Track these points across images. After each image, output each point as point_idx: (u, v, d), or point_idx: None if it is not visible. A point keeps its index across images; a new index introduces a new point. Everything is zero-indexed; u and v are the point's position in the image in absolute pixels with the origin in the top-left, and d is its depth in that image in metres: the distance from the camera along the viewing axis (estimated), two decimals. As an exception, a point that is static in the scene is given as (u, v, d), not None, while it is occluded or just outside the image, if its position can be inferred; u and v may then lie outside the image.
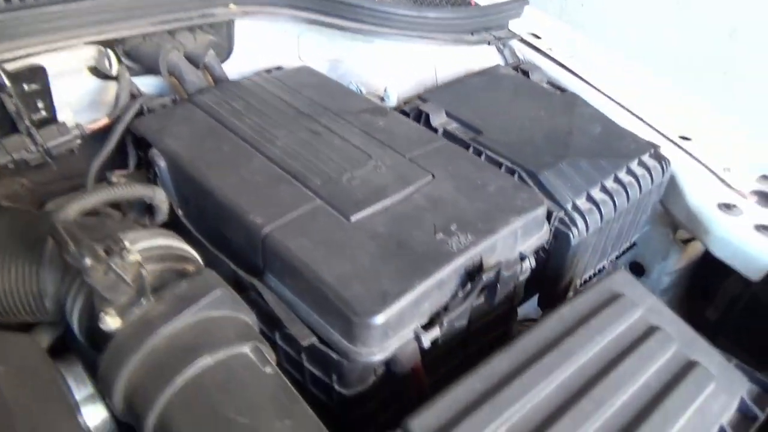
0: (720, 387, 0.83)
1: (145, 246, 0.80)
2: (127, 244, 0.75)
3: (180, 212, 1.00)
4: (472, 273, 0.84)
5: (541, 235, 0.96)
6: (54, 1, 1.00)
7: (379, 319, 0.75)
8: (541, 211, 0.93)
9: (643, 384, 0.80)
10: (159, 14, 1.12)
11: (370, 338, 0.76)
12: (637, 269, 1.42)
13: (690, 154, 1.28)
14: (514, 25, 1.56)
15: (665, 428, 0.74)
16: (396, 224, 0.87)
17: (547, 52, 1.50)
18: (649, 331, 0.87)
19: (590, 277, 1.19)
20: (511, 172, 1.07)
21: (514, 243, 0.91)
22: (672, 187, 1.24)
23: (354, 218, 0.88)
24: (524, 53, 1.50)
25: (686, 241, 1.32)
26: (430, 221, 0.88)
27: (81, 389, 0.79)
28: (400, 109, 1.23)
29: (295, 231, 0.85)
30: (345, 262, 0.81)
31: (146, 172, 1.08)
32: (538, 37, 1.57)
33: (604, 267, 1.22)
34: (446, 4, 1.47)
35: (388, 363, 0.84)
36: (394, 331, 0.78)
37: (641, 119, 1.34)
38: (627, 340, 0.85)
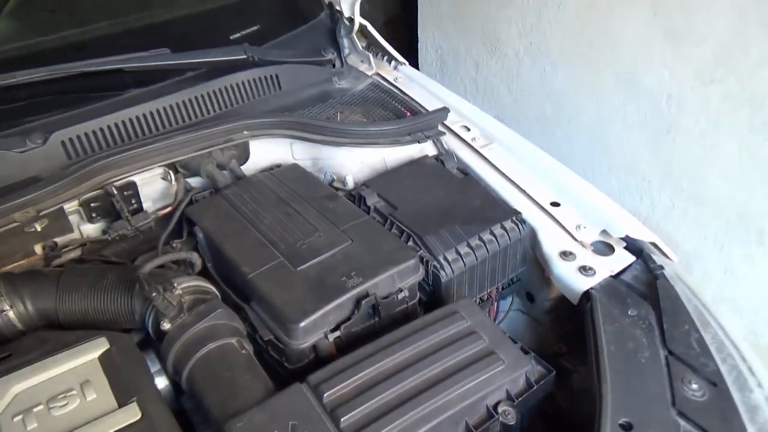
0: (507, 368, 1.40)
1: (184, 285, 1.51)
2: (175, 284, 1.46)
3: (210, 265, 1.71)
4: (360, 300, 1.47)
5: (417, 276, 1.58)
6: (138, 145, 1.76)
7: (302, 325, 1.40)
8: (413, 262, 1.55)
9: (447, 367, 1.38)
10: (200, 143, 1.86)
11: (298, 336, 1.41)
12: (530, 297, 1.98)
13: (551, 216, 1.85)
14: (451, 119, 2.19)
15: (451, 390, 1.32)
16: (321, 272, 1.53)
17: (470, 142, 2.12)
18: (466, 334, 1.46)
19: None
20: (408, 237, 1.69)
21: (393, 282, 1.53)
22: (535, 239, 1.82)
23: (299, 269, 1.54)
24: (452, 144, 2.12)
25: (555, 277, 1.87)
26: (341, 270, 1.53)
27: (154, 364, 1.49)
28: (350, 193, 1.89)
29: (265, 277, 1.53)
30: (288, 293, 1.47)
31: (193, 240, 1.80)
32: (468, 129, 2.19)
33: (488, 295, 1.81)
34: (392, 116, 2.13)
35: (315, 351, 1.49)
36: (312, 332, 1.43)
37: (523, 191, 1.93)
38: (448, 340, 1.44)
